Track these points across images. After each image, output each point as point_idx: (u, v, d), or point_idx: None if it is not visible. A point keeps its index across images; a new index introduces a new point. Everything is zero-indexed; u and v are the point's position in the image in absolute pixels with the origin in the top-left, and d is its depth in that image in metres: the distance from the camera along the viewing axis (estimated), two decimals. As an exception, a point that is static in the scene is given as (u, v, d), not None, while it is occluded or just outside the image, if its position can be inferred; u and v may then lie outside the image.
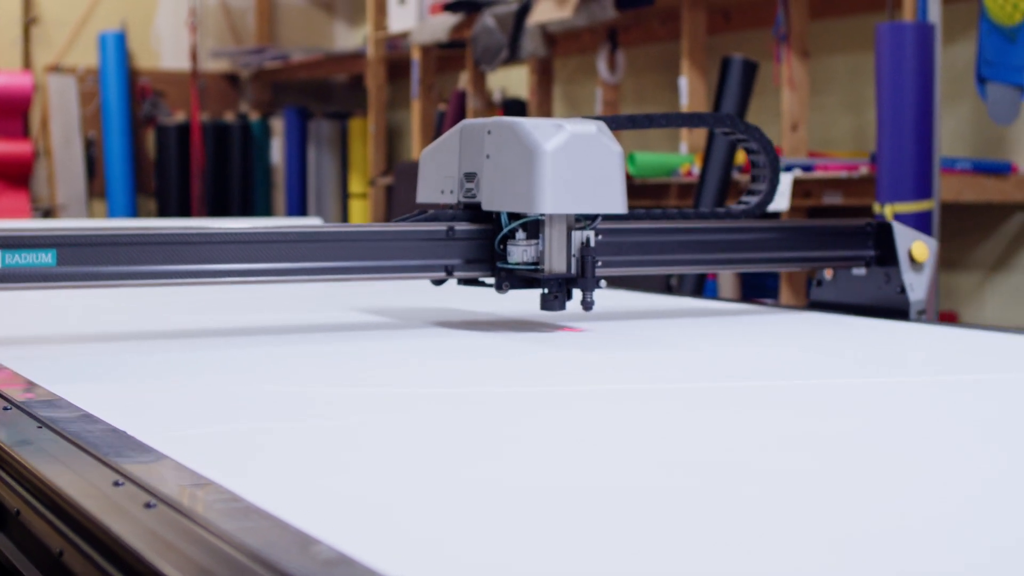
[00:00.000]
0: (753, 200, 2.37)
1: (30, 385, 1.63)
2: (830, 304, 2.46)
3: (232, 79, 9.95)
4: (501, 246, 2.08)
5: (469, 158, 2.09)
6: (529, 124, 2.00)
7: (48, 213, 8.98)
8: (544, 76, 6.71)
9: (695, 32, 5.85)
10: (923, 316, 2.31)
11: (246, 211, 9.35)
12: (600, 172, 2.00)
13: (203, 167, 9.15)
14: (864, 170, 4.91)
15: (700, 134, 5.85)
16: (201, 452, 1.27)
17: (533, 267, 2.04)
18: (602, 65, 6.28)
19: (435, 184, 2.18)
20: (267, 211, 9.45)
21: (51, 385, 1.60)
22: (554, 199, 1.97)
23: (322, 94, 10.02)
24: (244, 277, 2.01)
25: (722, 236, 2.29)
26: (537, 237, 2.03)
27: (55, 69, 9.27)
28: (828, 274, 2.46)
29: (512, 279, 2.08)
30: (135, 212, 9.29)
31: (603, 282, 2.06)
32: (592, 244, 2.04)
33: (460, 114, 7.90)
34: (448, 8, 6.94)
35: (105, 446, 1.26)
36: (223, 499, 1.06)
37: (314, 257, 2.02)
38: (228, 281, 2.02)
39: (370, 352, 2.01)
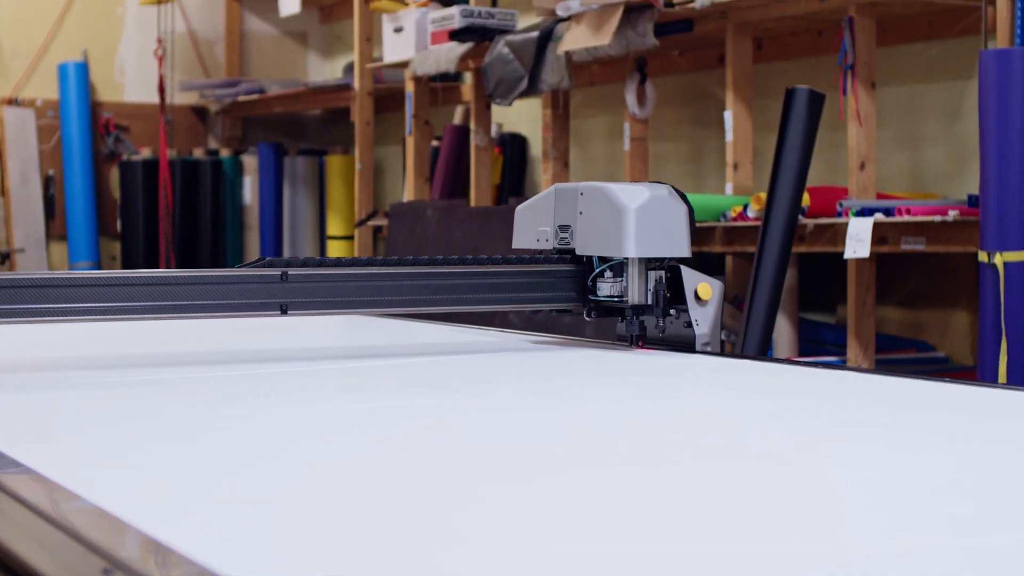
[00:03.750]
0: None
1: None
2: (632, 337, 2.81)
3: (200, 113, 9.35)
4: (592, 283, 2.60)
5: (563, 213, 2.63)
6: (616, 188, 2.55)
7: (4, 258, 8.34)
8: (564, 110, 6.18)
9: (740, 61, 5.35)
10: (708, 347, 2.65)
11: (216, 254, 8.75)
12: (672, 225, 2.53)
13: (171, 207, 8.54)
14: (954, 214, 4.42)
15: (746, 174, 5.34)
16: None
17: (618, 299, 2.57)
18: (631, 98, 5.76)
19: (531, 234, 2.71)
20: (239, 254, 8.85)
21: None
22: (637, 246, 2.50)
23: (295, 130, 9.45)
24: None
25: (525, 280, 2.63)
26: (621, 276, 2.57)
27: (12, 102, 8.64)
28: None
29: (599, 309, 2.61)
30: (98, 255, 8.67)
31: (672, 311, 2.57)
32: (664, 281, 2.55)
33: (458, 150, 7.36)
34: (454, 36, 6.40)
35: None
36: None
37: (183, 297, 2.35)
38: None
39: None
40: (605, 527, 1.22)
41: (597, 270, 2.59)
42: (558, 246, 2.65)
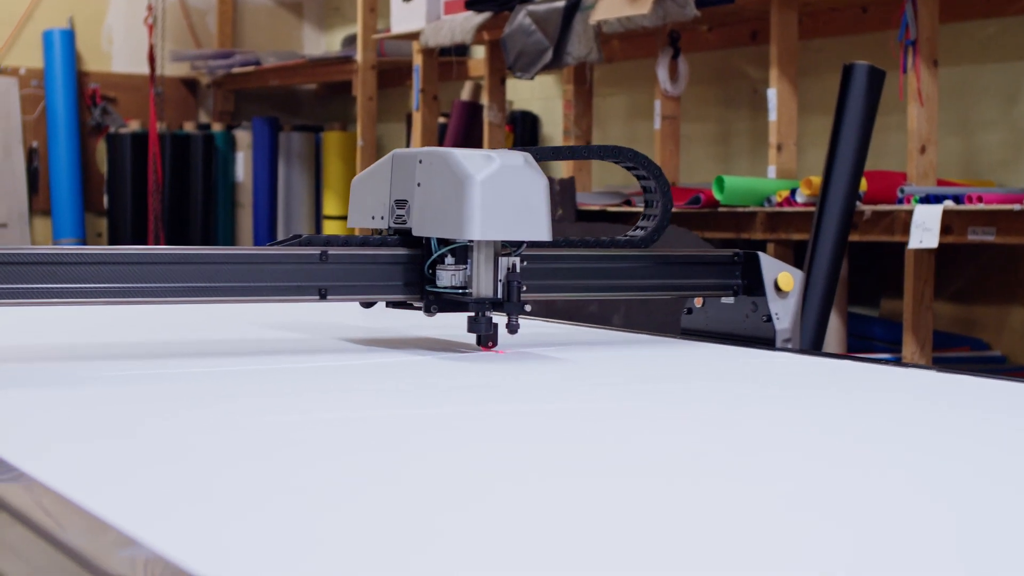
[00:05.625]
0: (640, 232, 2.42)
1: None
2: (700, 332, 2.50)
3: (191, 85, 8.96)
4: (430, 270, 2.17)
5: (400, 186, 2.20)
6: (460, 154, 2.12)
7: (-15, 233, 7.95)
8: (588, 85, 5.82)
9: (785, 36, 4.99)
10: (789, 344, 2.35)
11: (207, 233, 8.37)
12: (527, 201, 2.11)
13: (160, 183, 8.15)
14: (1030, 202, 4.08)
15: (790, 156, 4.99)
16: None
17: (461, 291, 2.15)
18: (663, 73, 5.41)
19: (366, 210, 2.27)
20: (230, 233, 8.47)
21: None
22: (483, 226, 2.07)
23: (289, 104, 9.06)
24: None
25: (590, 265, 2.34)
26: (465, 262, 2.15)
27: (-6, 70, 8.25)
28: (698, 302, 2.51)
29: (440, 302, 2.18)
30: (83, 232, 8.28)
31: (528, 306, 2.17)
32: (518, 270, 2.15)
33: (467, 127, 7.01)
34: (471, 5, 6.03)
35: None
36: None
37: (191, 278, 2.04)
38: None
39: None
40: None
41: (435, 255, 2.15)
42: (394, 225, 2.21)
